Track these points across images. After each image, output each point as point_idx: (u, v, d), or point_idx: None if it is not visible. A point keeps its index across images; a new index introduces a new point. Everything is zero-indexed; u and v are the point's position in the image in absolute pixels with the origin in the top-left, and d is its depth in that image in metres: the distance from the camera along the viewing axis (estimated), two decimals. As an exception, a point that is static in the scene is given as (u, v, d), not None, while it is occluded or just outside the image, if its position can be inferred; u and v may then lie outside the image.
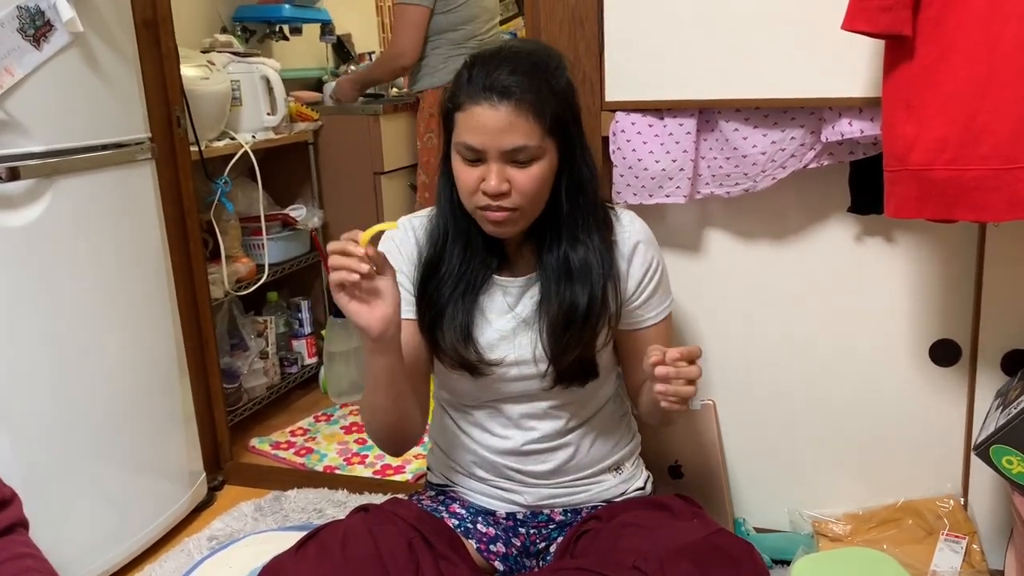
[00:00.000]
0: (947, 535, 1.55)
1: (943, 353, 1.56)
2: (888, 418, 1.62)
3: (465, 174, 1.17)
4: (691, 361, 1.10)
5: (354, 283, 1.08)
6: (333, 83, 3.01)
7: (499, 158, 1.15)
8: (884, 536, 1.59)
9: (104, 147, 1.66)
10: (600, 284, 1.24)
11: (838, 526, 1.64)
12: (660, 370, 1.08)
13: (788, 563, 1.60)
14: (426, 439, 1.42)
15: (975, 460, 1.53)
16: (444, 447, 1.40)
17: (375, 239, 1.13)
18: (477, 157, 1.16)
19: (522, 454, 1.32)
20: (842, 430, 1.65)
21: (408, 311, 1.28)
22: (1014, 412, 1.31)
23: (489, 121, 1.12)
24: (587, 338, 1.25)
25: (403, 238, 1.31)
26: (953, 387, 1.57)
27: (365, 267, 1.07)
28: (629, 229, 1.30)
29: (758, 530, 1.73)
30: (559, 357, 1.25)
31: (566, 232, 1.24)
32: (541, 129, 1.15)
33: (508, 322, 1.28)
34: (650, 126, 1.51)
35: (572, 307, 1.23)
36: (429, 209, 1.33)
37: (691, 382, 1.09)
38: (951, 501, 1.59)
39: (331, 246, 1.09)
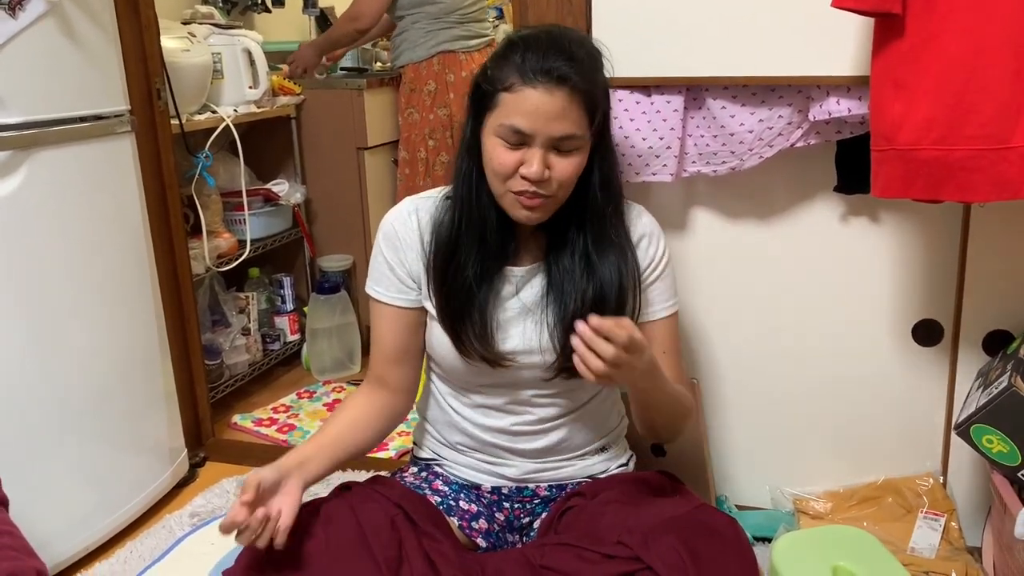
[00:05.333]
0: (926, 513, 1.57)
1: (926, 333, 1.57)
2: (870, 397, 1.63)
3: (504, 156, 1.14)
4: (608, 338, 1.04)
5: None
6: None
7: (544, 144, 1.12)
8: (864, 514, 1.61)
9: (82, 119, 1.63)
10: (628, 278, 1.24)
11: (819, 504, 1.65)
12: (578, 328, 1.05)
13: (769, 540, 1.61)
14: (412, 414, 1.41)
15: (955, 439, 1.54)
16: (432, 422, 1.40)
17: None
18: (521, 141, 1.13)
19: (512, 434, 1.32)
20: (824, 409, 1.66)
21: (401, 299, 1.28)
22: (995, 392, 1.32)
23: (543, 105, 1.10)
24: None
25: (404, 224, 1.27)
26: (935, 367, 1.58)
27: (269, 537, 1.07)
28: (636, 223, 1.29)
29: (740, 507, 1.74)
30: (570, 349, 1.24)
31: (592, 225, 1.23)
32: (588, 121, 1.14)
33: (512, 309, 1.27)
34: (637, 103, 1.50)
35: (599, 299, 1.22)
36: (438, 191, 1.30)
37: (607, 360, 1.05)
38: (930, 479, 1.60)
39: (242, 540, 1.07)
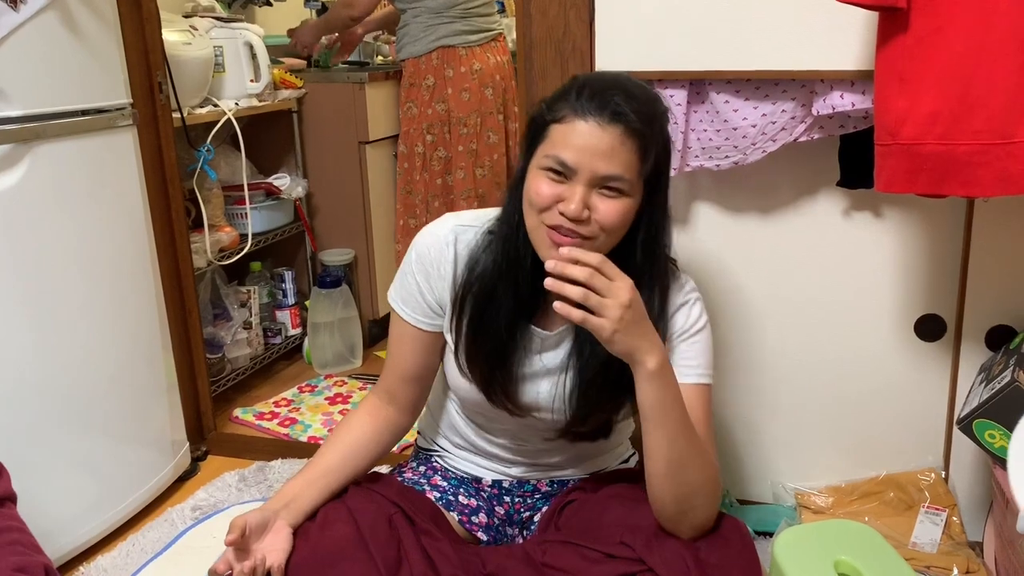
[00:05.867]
0: (928, 508, 1.57)
1: (928, 328, 1.57)
2: (872, 392, 1.63)
3: (544, 186, 1.06)
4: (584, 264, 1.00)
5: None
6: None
7: (588, 182, 1.04)
8: (866, 508, 1.61)
9: (84, 112, 1.63)
10: None
11: (820, 498, 1.65)
12: (548, 266, 1.00)
13: (771, 535, 1.61)
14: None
15: (957, 434, 1.54)
16: (438, 419, 1.40)
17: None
18: (565, 174, 1.05)
19: (514, 451, 1.33)
20: (826, 404, 1.66)
21: (426, 322, 1.23)
22: (997, 387, 1.32)
23: (592, 139, 1.03)
24: (620, 401, 1.19)
25: (440, 252, 1.20)
26: (937, 362, 1.58)
27: None
28: (678, 294, 1.21)
29: (741, 502, 1.74)
30: (584, 416, 1.19)
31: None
32: (640, 167, 1.06)
33: (534, 366, 1.22)
34: (640, 97, 1.49)
35: (620, 373, 1.11)
36: (482, 218, 1.22)
37: (583, 283, 0.99)
38: (932, 474, 1.60)
39: None
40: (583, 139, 1.03)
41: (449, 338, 1.23)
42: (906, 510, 1.59)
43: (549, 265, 1.01)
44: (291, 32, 2.85)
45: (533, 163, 1.09)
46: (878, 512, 1.60)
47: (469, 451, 1.36)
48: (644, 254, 1.14)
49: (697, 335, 1.20)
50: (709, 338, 1.22)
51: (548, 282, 1.01)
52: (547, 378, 1.22)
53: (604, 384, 1.16)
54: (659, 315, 1.15)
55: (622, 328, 1.01)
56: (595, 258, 1.00)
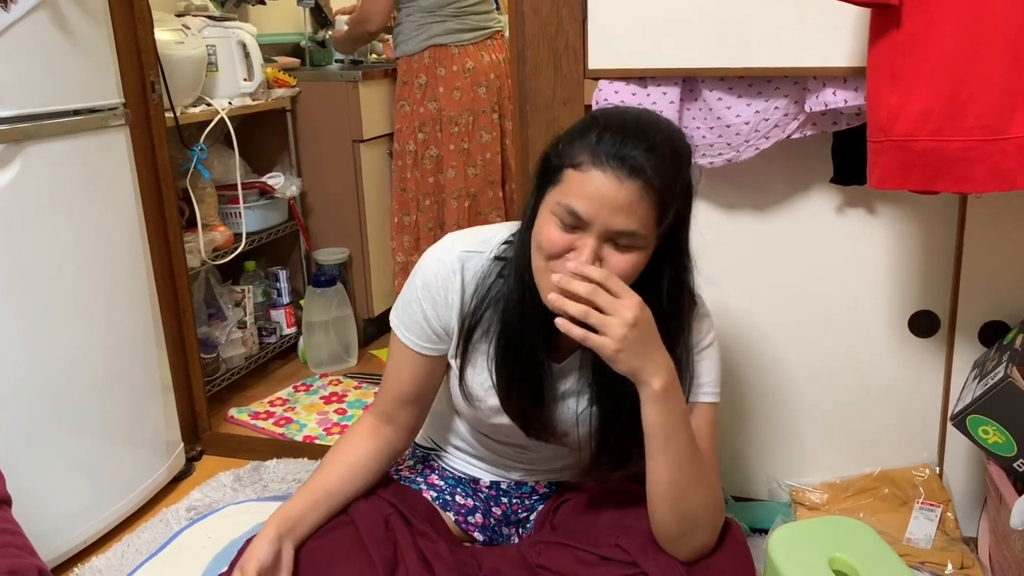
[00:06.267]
0: (922, 504, 1.57)
1: (922, 324, 1.57)
2: (866, 388, 1.63)
3: (553, 234, 1.02)
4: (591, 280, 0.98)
5: None
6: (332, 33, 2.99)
7: (601, 234, 1.00)
8: (861, 505, 1.61)
9: (76, 112, 1.62)
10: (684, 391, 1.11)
11: (815, 495, 1.65)
12: (553, 279, 0.99)
13: (766, 532, 1.61)
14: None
15: (951, 430, 1.55)
16: (438, 421, 1.38)
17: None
18: (577, 225, 1.01)
19: (513, 459, 1.33)
20: (820, 400, 1.67)
21: (429, 348, 1.20)
22: (991, 383, 1.33)
23: (609, 193, 0.98)
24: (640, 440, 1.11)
25: (446, 281, 1.16)
26: (931, 358, 1.59)
27: None
28: (696, 326, 1.18)
29: (736, 499, 1.74)
30: (604, 439, 1.16)
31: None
32: (656, 221, 1.02)
33: (555, 394, 1.20)
34: (633, 95, 1.50)
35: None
36: (488, 243, 1.18)
37: (584, 300, 0.98)
38: (927, 470, 1.61)
39: None
40: (599, 191, 0.98)
41: (454, 363, 1.21)
42: (901, 506, 1.59)
43: (551, 297, 0.99)
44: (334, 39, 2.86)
45: (545, 205, 1.04)
46: (873, 508, 1.60)
47: (469, 454, 1.36)
48: (670, 299, 1.10)
49: (704, 352, 1.17)
50: (717, 355, 1.19)
51: (558, 321, 0.99)
52: (566, 403, 1.19)
53: (621, 409, 1.11)
54: (684, 361, 1.13)
55: (625, 347, 0.99)
56: (600, 273, 0.98)
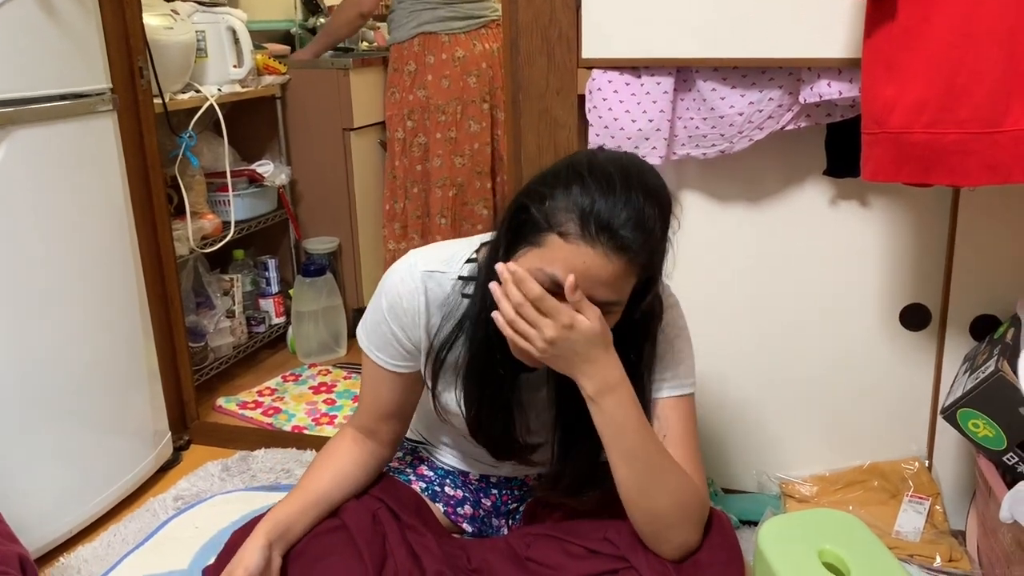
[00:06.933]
0: (911, 496, 1.57)
1: (913, 317, 1.57)
2: (857, 381, 1.63)
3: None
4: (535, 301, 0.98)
5: None
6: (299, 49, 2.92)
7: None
8: (850, 497, 1.61)
9: (62, 97, 1.60)
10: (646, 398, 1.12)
11: (805, 487, 1.66)
12: (498, 267, 1.00)
13: (755, 524, 1.62)
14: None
15: (940, 423, 1.55)
16: (426, 418, 1.37)
17: None
18: (556, 292, 0.99)
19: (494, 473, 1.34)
20: (811, 393, 1.67)
21: (402, 366, 1.20)
22: (981, 376, 1.33)
23: (595, 268, 0.97)
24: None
25: (411, 300, 1.15)
26: (922, 351, 1.59)
27: None
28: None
29: (726, 491, 1.74)
30: (567, 450, 1.16)
31: (622, 353, 1.07)
32: (637, 284, 1.03)
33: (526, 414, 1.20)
34: (627, 84, 1.49)
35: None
36: (452, 263, 1.16)
37: (515, 305, 0.99)
38: (916, 463, 1.61)
39: None
40: (586, 266, 0.97)
41: (428, 381, 1.20)
42: (890, 499, 1.60)
43: (494, 314, 1.01)
44: (288, 62, 2.75)
45: (523, 261, 1.01)
46: (862, 501, 1.60)
47: (457, 451, 1.35)
48: (641, 323, 1.11)
49: (673, 341, 1.16)
50: (686, 345, 1.18)
51: (494, 314, 1.01)
52: (535, 410, 1.19)
53: (582, 411, 1.08)
54: (648, 358, 1.13)
55: (548, 359, 1.01)
56: (534, 292, 0.98)
